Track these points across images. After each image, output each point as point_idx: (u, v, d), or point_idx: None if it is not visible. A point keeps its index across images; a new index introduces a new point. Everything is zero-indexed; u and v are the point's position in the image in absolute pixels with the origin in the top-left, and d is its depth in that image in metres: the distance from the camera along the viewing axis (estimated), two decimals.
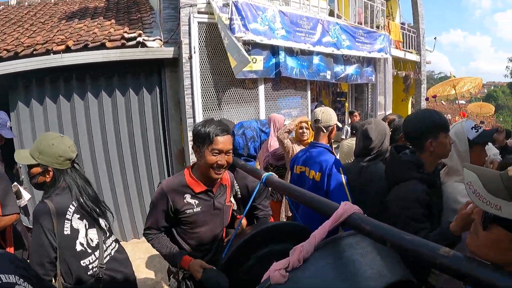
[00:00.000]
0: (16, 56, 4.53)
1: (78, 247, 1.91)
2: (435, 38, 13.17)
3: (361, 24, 7.47)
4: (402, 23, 11.72)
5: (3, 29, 6.15)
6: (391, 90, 8.92)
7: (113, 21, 5.96)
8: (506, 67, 30.45)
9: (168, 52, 4.91)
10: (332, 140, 5.99)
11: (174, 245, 1.94)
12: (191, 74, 4.78)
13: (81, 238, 1.93)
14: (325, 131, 2.67)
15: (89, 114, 4.86)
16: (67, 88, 4.77)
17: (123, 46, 4.82)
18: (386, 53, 7.72)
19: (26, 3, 8.68)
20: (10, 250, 2.31)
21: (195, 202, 1.92)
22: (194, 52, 4.76)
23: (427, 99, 11.29)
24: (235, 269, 1.71)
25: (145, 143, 5.13)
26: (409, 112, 11.76)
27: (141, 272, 4.19)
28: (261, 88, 5.49)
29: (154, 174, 5.21)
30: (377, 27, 7.98)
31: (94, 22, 6.07)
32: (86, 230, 1.98)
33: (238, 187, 2.38)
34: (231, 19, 4.82)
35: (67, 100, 4.78)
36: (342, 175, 2.43)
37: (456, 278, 0.89)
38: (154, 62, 5.03)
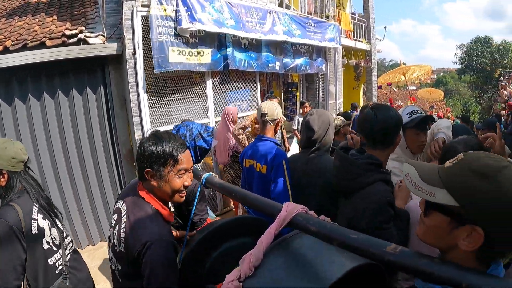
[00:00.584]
0: None
1: (45, 246, 1.97)
2: (385, 27, 13.67)
3: (310, 14, 7.62)
4: (353, 13, 12.05)
5: None
6: (341, 79, 9.15)
7: (55, 17, 5.70)
8: (455, 54, 31.95)
9: (111, 49, 4.74)
10: (285, 131, 6.14)
11: None
12: (135, 70, 4.64)
13: (47, 237, 1.99)
14: (271, 124, 2.74)
15: (32, 117, 4.61)
16: (7, 91, 4.51)
17: (63, 44, 4.61)
18: (336, 43, 7.88)
19: None
20: None
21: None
22: (138, 48, 4.61)
23: (379, 87, 11.73)
24: (192, 269, 1.60)
25: (92, 145, 4.94)
26: (361, 99, 12.19)
27: (99, 279, 4.07)
28: (209, 82, 5.43)
29: (103, 177, 5.03)
30: (327, 17, 8.14)
31: (35, 19, 5.80)
32: (50, 229, 2.04)
33: None
34: (176, 11, 4.72)
35: (8, 104, 4.51)
36: (285, 168, 2.46)
37: (404, 273, 0.99)
38: (97, 59, 4.82)
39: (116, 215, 1.63)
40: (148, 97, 4.83)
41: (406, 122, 2.10)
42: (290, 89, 7.82)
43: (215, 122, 5.44)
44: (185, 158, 1.55)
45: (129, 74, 4.64)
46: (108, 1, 4.93)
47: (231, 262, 1.35)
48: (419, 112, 2.20)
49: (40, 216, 1.99)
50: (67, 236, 2.21)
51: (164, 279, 1.41)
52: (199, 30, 4.98)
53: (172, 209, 1.93)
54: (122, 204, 1.62)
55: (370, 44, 11.58)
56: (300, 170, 2.40)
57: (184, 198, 1.63)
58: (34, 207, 1.99)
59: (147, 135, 1.60)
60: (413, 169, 0.97)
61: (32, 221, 1.92)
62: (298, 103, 8.11)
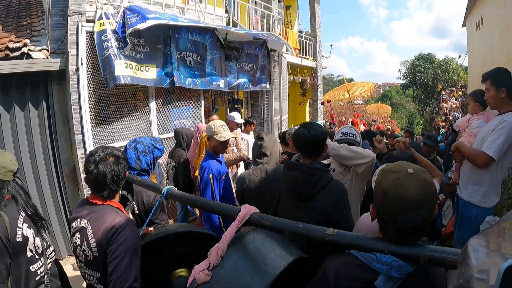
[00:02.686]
0: None
1: (28, 253, 2.08)
2: (331, 45, 14.51)
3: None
4: (300, 31, 12.65)
5: None
6: (286, 96, 9.57)
7: (0, 27, 5.67)
8: (399, 70, 33.99)
9: (54, 64, 4.66)
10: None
11: None
12: (78, 87, 4.60)
13: (30, 245, 2.10)
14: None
15: None
16: None
17: (6, 57, 4.49)
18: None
19: None
20: None
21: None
22: (82, 64, 4.58)
23: (322, 103, 12.36)
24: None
25: (33, 163, 4.76)
26: (307, 114, 12.78)
27: None
28: (153, 99, 5.50)
29: (46, 197, 4.83)
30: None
31: None
32: (34, 238, 2.14)
33: (134, 203, 2.41)
34: (124, 17, 4.73)
35: None
36: (211, 176, 3.06)
37: (342, 248, 1.30)
38: (40, 74, 4.72)
39: (78, 233, 1.82)
40: (91, 115, 4.78)
41: (337, 139, 2.89)
42: (235, 105, 8.08)
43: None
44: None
45: (72, 90, 4.59)
46: (54, 14, 4.82)
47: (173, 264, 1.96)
48: (351, 134, 2.92)
49: (25, 225, 2.10)
50: (50, 245, 2.33)
51: (129, 262, 1.62)
52: (143, 46, 5.08)
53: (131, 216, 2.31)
54: (80, 220, 1.84)
55: (316, 61, 12.21)
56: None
57: None
58: (20, 216, 2.10)
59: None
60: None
61: (17, 229, 2.03)
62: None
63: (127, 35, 4.72)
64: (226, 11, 7.41)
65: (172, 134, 5.36)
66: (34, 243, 2.14)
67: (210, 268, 1.38)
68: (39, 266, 2.14)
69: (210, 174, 3.07)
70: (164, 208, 2.45)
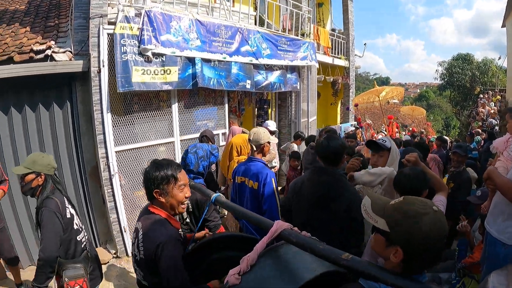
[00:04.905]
0: None
1: (75, 226, 2.75)
2: (364, 44, 14.00)
3: (287, 31, 7.66)
4: (333, 30, 12.25)
5: None
6: (315, 97, 9.23)
7: (28, 28, 5.70)
8: (436, 70, 32.51)
9: (77, 66, 4.71)
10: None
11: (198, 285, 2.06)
12: (100, 88, 4.62)
13: (75, 220, 2.78)
14: (255, 148, 3.26)
15: None
16: None
17: (31, 60, 4.59)
18: (310, 61, 7.95)
19: None
20: None
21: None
22: (103, 66, 4.59)
23: (347, 108, 11.87)
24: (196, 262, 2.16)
25: (57, 160, 4.80)
26: (338, 115, 12.35)
27: None
28: (175, 100, 5.41)
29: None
30: (303, 34, 8.27)
31: (9, 29, 5.76)
32: (76, 215, 2.82)
33: (188, 201, 2.52)
34: (141, 30, 4.72)
35: None
36: (274, 184, 3.11)
37: (354, 274, 1.37)
38: (64, 75, 4.79)
39: (135, 233, 2.06)
40: (113, 116, 4.80)
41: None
42: (263, 106, 7.85)
43: (180, 141, 5.43)
44: (182, 175, 2.03)
45: (93, 92, 4.62)
46: (78, 17, 4.86)
47: (221, 268, 1.99)
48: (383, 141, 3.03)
49: (69, 206, 2.78)
50: (82, 223, 2.95)
51: (176, 274, 1.85)
52: None
53: (187, 219, 2.77)
54: (138, 223, 2.06)
55: (349, 60, 11.77)
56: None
57: (185, 208, 2.13)
58: (65, 199, 2.76)
59: (149, 164, 2.04)
60: (368, 201, 1.40)
61: (66, 208, 2.70)
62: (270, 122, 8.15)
63: (141, 49, 4.76)
64: (255, 9, 7.18)
65: (194, 136, 5.48)
66: (77, 219, 2.81)
67: (240, 273, 1.53)
68: (82, 237, 2.81)
69: (272, 179, 3.14)
70: (217, 209, 2.87)
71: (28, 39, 5.12)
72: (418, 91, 49.00)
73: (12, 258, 4.03)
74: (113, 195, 4.89)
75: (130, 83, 4.65)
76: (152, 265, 1.90)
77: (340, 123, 11.69)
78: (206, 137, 4.92)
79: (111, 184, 4.85)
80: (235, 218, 3.78)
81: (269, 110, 8.00)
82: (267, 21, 7.25)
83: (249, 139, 3.32)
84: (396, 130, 12.93)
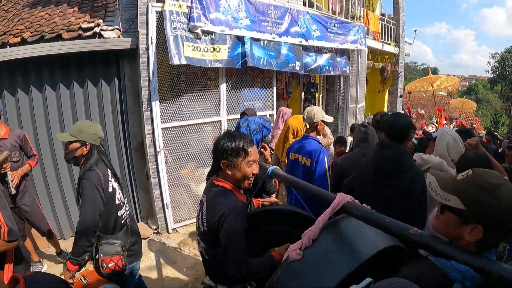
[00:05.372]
0: None
1: (117, 201, 2.61)
2: (415, 31, 13.15)
3: (337, 13, 7.34)
4: (382, 14, 11.67)
5: None
6: (364, 83, 8.78)
7: (76, 8, 5.75)
8: (488, 62, 30.24)
9: (125, 43, 4.71)
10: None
11: (257, 258, 1.94)
12: (148, 65, 4.61)
13: (118, 195, 2.64)
14: (308, 126, 3.38)
15: (47, 107, 4.70)
16: (24, 81, 4.61)
17: (79, 37, 4.62)
18: (360, 45, 7.54)
19: None
20: (10, 266, 2.32)
21: (246, 213, 2.05)
22: (152, 43, 4.57)
23: (401, 96, 11.31)
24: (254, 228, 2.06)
25: (104, 136, 4.89)
26: (385, 103, 11.78)
27: None
28: (223, 79, 5.30)
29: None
30: (352, 17, 7.86)
31: (57, 9, 5.84)
32: (118, 189, 2.68)
33: None
34: (190, 7, 4.65)
35: (25, 93, 4.63)
36: (326, 163, 3.13)
37: (422, 249, 1.33)
38: (112, 53, 4.82)
39: (200, 205, 2.06)
40: (160, 93, 4.77)
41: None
42: (310, 89, 7.52)
43: (227, 120, 5.34)
44: (253, 151, 1.95)
45: (141, 68, 4.62)
46: None
47: (272, 240, 2.14)
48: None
49: (112, 179, 2.64)
50: (125, 197, 2.83)
51: (236, 245, 1.78)
52: None
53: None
54: (203, 196, 2.05)
55: (399, 47, 11.15)
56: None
57: (250, 185, 2.01)
58: (108, 172, 2.63)
59: (221, 134, 2.00)
60: (433, 179, 1.30)
61: (109, 182, 2.57)
62: (317, 105, 7.85)
63: (190, 27, 4.69)
64: None
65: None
66: (119, 193, 2.67)
67: (302, 248, 1.51)
68: (122, 212, 2.66)
69: (325, 157, 3.17)
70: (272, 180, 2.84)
71: (76, 18, 5.18)
72: (467, 84, 46.32)
73: (45, 231, 4.03)
74: (157, 172, 4.91)
75: (182, 56, 4.56)
76: (213, 236, 1.87)
77: (388, 111, 11.10)
78: (245, 115, 4.69)
79: (156, 161, 4.87)
80: (287, 191, 3.75)
81: (317, 94, 7.66)
82: (316, 4, 6.94)
83: (303, 117, 3.41)
84: (445, 122, 12.17)
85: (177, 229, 5.18)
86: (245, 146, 1.91)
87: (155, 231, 5.11)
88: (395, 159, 2.40)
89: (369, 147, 3.12)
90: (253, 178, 2.00)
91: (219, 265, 1.87)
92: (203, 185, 5.38)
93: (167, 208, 5.02)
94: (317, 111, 3.33)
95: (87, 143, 2.54)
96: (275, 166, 2.26)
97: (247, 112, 4.67)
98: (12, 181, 3.58)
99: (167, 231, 5.11)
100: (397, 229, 1.36)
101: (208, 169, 5.47)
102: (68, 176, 4.87)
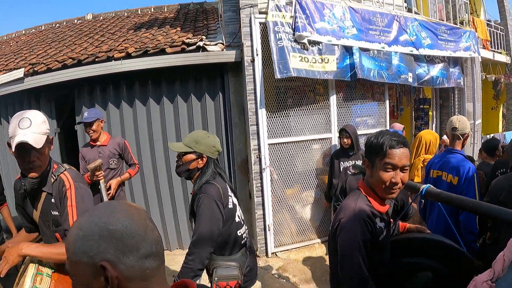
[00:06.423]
0: (79, 63, 4.65)
1: (237, 219, 2.34)
2: None
3: (442, 21, 6.66)
4: (488, 20, 10.50)
5: (74, 40, 6.41)
6: (480, 95, 7.78)
7: (178, 28, 5.94)
8: None
9: (229, 56, 4.66)
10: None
11: None
12: (253, 78, 4.47)
13: (238, 212, 2.38)
14: (461, 138, 2.97)
15: (151, 120, 4.86)
16: (129, 94, 4.86)
17: (183, 51, 4.71)
18: (474, 52, 6.68)
19: (101, 17, 9.10)
20: None
21: (383, 225, 1.70)
22: (257, 55, 4.44)
23: None
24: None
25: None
26: (500, 123, 10.41)
27: None
28: (333, 93, 4.97)
29: None
30: (461, 23, 7.05)
31: (160, 30, 6.10)
32: (238, 206, 2.42)
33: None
34: (294, 18, 4.47)
35: (130, 105, 4.86)
36: (476, 181, 2.76)
37: None
38: (216, 66, 4.83)
39: None
40: (267, 106, 4.60)
41: None
42: (421, 106, 6.79)
43: (337, 138, 4.94)
44: (397, 153, 1.58)
45: (247, 81, 4.49)
46: (227, 10, 4.89)
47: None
48: None
49: (232, 194, 2.36)
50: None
51: (350, 261, 1.52)
52: None
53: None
54: None
55: (510, 56, 9.88)
56: None
57: (394, 195, 1.65)
58: (227, 186, 2.34)
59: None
60: None
61: (229, 197, 2.29)
62: (430, 123, 7.09)
63: (296, 37, 4.49)
64: (405, 1, 6.32)
65: None
66: (239, 210, 2.41)
67: (493, 279, 1.17)
68: (243, 231, 2.37)
69: (475, 174, 2.80)
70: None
71: (179, 37, 5.35)
72: None
73: None
74: (262, 190, 4.68)
75: (288, 68, 4.34)
76: (333, 242, 1.67)
77: (503, 131, 9.82)
78: (345, 132, 4.32)
79: (261, 178, 4.65)
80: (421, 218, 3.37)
81: (430, 112, 6.91)
82: (416, 12, 6.36)
83: (453, 128, 2.99)
84: None
85: (277, 253, 4.86)
86: (387, 144, 1.59)
87: None
88: None
89: None
90: (396, 190, 1.63)
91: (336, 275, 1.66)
92: (309, 208, 5.04)
93: (269, 230, 4.75)
94: (466, 121, 3.01)
95: (204, 156, 2.28)
96: (429, 184, 2.02)
97: (347, 128, 4.30)
98: (105, 189, 3.56)
99: (266, 255, 4.82)
100: None
101: (314, 191, 5.26)
102: (167, 189, 4.96)
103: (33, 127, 1.74)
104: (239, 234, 2.32)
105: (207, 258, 2.15)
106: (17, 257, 1.67)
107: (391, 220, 1.92)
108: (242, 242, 2.35)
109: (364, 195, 1.69)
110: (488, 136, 5.65)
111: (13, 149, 1.71)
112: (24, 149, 1.73)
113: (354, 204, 1.62)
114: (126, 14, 9.19)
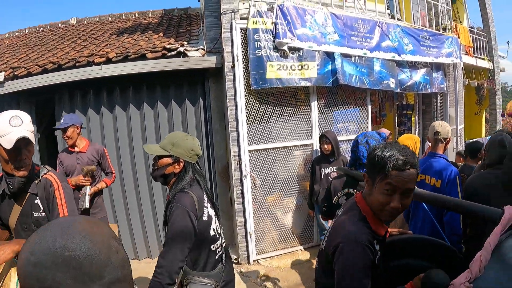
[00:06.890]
0: (59, 68, 4.59)
1: (211, 232, 2.13)
2: (507, 42, 11.84)
3: (425, 27, 6.74)
4: (471, 27, 10.67)
5: (57, 45, 6.34)
6: (463, 101, 7.86)
7: (161, 34, 5.91)
8: None
9: (210, 62, 4.63)
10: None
11: None
12: (234, 84, 4.43)
13: (213, 224, 2.16)
14: (443, 142, 3.05)
15: (131, 126, 4.80)
16: (109, 99, 4.80)
17: (163, 56, 4.67)
18: (456, 58, 6.78)
19: (85, 22, 9.01)
20: None
21: (378, 247, 1.52)
22: (237, 61, 4.41)
23: (503, 115, 10.05)
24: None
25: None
26: (483, 127, 10.57)
27: None
28: (314, 99, 4.96)
29: None
30: (444, 29, 7.14)
31: (142, 35, 6.05)
32: (214, 218, 2.20)
33: None
34: (275, 24, 4.46)
35: (110, 111, 4.80)
36: (458, 184, 2.81)
37: None
38: (197, 72, 4.77)
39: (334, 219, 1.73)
40: (247, 112, 4.56)
41: None
42: (404, 112, 6.84)
43: (319, 143, 4.93)
44: (400, 177, 1.38)
45: (227, 87, 4.46)
46: (208, 16, 4.86)
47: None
48: None
49: (209, 205, 2.16)
50: (221, 227, 2.33)
51: (351, 285, 1.39)
52: None
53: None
54: (340, 210, 1.73)
55: (493, 61, 10.03)
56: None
57: (393, 218, 1.56)
58: (204, 196, 2.14)
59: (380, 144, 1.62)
60: None
61: (204, 208, 2.09)
62: (413, 129, 7.15)
63: (276, 43, 4.51)
64: (388, 8, 6.37)
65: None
66: (215, 222, 2.20)
67: (471, 280, 1.23)
68: (218, 246, 2.19)
69: (457, 177, 2.85)
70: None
71: (160, 42, 5.34)
72: None
73: None
74: (242, 197, 4.63)
75: (265, 79, 4.39)
76: (327, 264, 1.52)
77: (486, 136, 9.92)
78: (325, 138, 4.26)
79: (242, 185, 4.60)
80: (405, 220, 3.36)
81: (413, 117, 6.95)
82: (399, 18, 6.39)
83: (435, 132, 3.06)
84: None
85: (259, 260, 4.80)
86: (390, 162, 1.38)
87: (235, 261, 4.78)
88: None
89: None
90: (394, 214, 1.46)
91: None
92: (291, 215, 5.00)
93: (250, 237, 4.69)
94: (447, 126, 3.11)
95: (181, 160, 2.11)
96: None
97: (327, 134, 4.28)
98: (89, 195, 3.55)
99: (248, 262, 4.76)
100: None
101: (296, 198, 5.22)
102: (148, 196, 4.90)
103: (24, 125, 1.75)
104: (213, 248, 2.14)
105: (177, 273, 1.95)
106: (11, 253, 1.53)
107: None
108: (217, 258, 2.18)
109: (363, 215, 1.52)
110: (471, 140, 5.69)
111: (11, 146, 1.69)
112: (16, 147, 1.73)
113: (354, 228, 1.46)
114: (110, 18, 9.10)
